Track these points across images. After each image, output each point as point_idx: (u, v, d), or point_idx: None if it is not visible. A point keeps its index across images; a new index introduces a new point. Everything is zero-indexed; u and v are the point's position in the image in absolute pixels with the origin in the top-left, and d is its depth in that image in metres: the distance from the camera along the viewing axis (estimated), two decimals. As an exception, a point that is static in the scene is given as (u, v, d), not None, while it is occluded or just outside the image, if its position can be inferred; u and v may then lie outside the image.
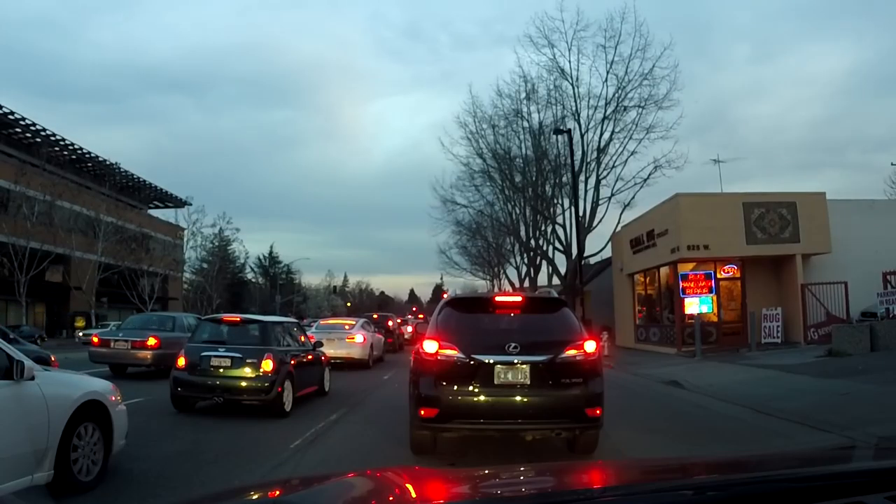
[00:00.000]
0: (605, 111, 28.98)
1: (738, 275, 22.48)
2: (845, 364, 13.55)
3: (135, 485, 5.53)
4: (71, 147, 43.76)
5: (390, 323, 27.69)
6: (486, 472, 2.31)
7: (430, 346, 6.36)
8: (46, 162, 36.97)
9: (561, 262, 32.32)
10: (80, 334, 29.28)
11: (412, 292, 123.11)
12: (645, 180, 29.09)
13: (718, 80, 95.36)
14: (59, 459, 4.68)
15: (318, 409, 10.18)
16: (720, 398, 11.58)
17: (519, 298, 7.03)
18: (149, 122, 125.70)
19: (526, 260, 39.21)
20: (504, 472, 2.34)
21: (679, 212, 21.54)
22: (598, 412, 6.25)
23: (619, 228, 29.15)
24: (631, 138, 28.97)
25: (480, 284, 57.27)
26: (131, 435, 6.01)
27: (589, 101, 29.35)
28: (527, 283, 38.42)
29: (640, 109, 28.53)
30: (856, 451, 2.92)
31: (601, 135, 29.21)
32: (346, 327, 19.29)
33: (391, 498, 1.79)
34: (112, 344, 14.48)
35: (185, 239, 52.73)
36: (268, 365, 9.16)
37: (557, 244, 32.25)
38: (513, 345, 6.20)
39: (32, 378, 4.57)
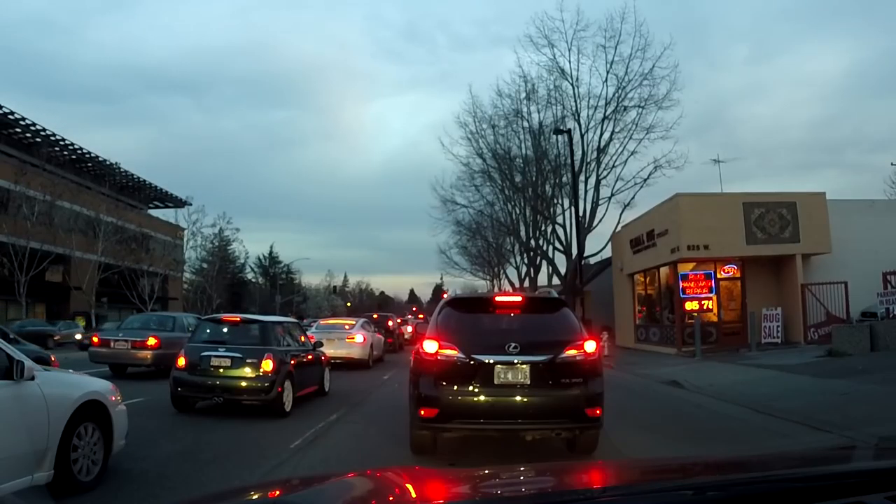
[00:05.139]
0: (605, 111, 29.00)
1: (738, 275, 22.48)
2: (845, 364, 13.55)
3: (135, 485, 5.53)
4: (71, 147, 43.74)
5: (390, 323, 27.67)
6: (486, 472, 2.31)
7: (430, 346, 6.36)
8: (46, 162, 36.92)
9: (561, 262, 32.34)
10: (78, 336, 29.05)
11: (412, 292, 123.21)
12: (645, 180, 29.12)
13: (717, 80, 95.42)
14: (59, 459, 4.68)
15: (318, 409, 10.18)
16: (720, 398, 11.58)
17: (519, 298, 7.03)
18: (149, 122, 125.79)
19: (526, 260, 39.20)
20: (504, 472, 2.34)
21: (679, 212, 21.53)
22: (598, 412, 6.25)
23: (619, 228, 29.14)
24: (631, 138, 29.00)
25: (480, 284, 57.29)
26: (131, 435, 6.00)
27: (589, 101, 29.37)
28: (527, 283, 38.40)
29: (640, 109, 28.55)
30: (856, 451, 2.93)
31: (601, 135, 29.23)
32: (346, 327, 19.28)
33: (391, 498, 1.79)
34: (112, 344, 14.48)
35: (185, 239, 52.72)
36: (268, 365, 9.16)
37: (557, 244, 32.26)
38: (513, 345, 6.19)
39: (32, 378, 4.57)
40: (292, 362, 9.93)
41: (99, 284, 38.29)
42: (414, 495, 1.77)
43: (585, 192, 29.25)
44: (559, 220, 32.21)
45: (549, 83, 29.87)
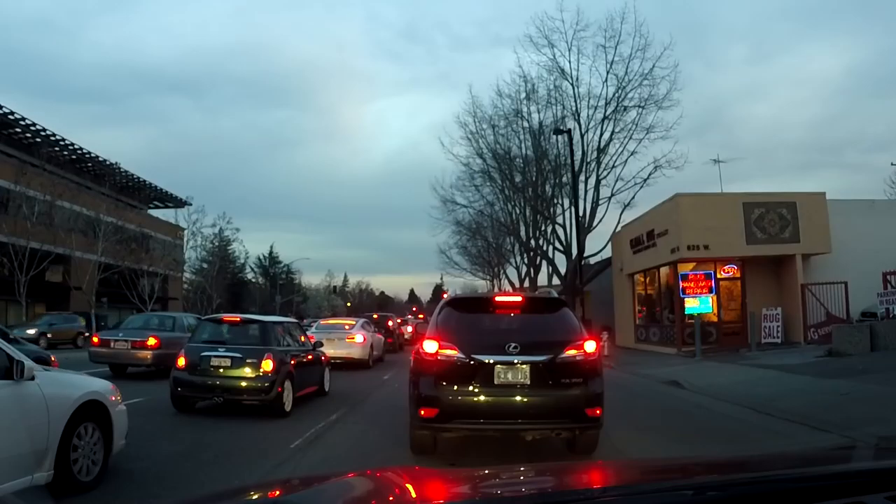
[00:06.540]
0: (605, 111, 29.00)
1: (738, 275, 22.49)
2: (845, 364, 13.55)
3: (135, 485, 5.54)
4: (71, 147, 43.69)
5: (390, 323, 27.70)
6: (486, 472, 2.31)
7: (430, 346, 6.36)
8: (46, 162, 36.87)
9: (561, 262, 32.34)
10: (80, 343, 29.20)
11: (412, 292, 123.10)
12: (645, 180, 29.10)
13: (717, 80, 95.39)
14: (59, 459, 4.68)
15: (318, 409, 10.19)
16: (720, 398, 11.58)
17: (519, 298, 7.03)
18: (148, 122, 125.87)
19: (526, 260, 39.21)
20: (504, 472, 2.34)
21: (679, 212, 21.54)
22: (598, 412, 6.25)
23: (619, 228, 29.15)
24: (631, 138, 28.99)
25: (480, 284, 57.33)
26: (131, 435, 6.01)
27: (589, 101, 29.37)
28: (527, 283, 38.41)
29: (640, 109, 28.54)
30: (856, 451, 2.92)
31: (601, 135, 29.23)
32: (346, 327, 19.29)
33: (391, 498, 1.79)
34: (112, 344, 14.48)
35: (185, 239, 52.71)
36: (268, 365, 9.16)
37: (557, 244, 32.27)
38: (513, 345, 6.19)
39: (32, 378, 4.57)
40: (292, 362, 9.93)
41: (99, 284, 38.23)
42: (414, 495, 1.77)
43: (585, 192, 29.31)
44: (559, 220, 32.27)
45: (549, 83, 29.92)
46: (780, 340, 20.12)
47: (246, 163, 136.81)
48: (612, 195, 29.66)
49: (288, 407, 9.47)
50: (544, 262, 35.32)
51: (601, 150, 29.24)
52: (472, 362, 6.17)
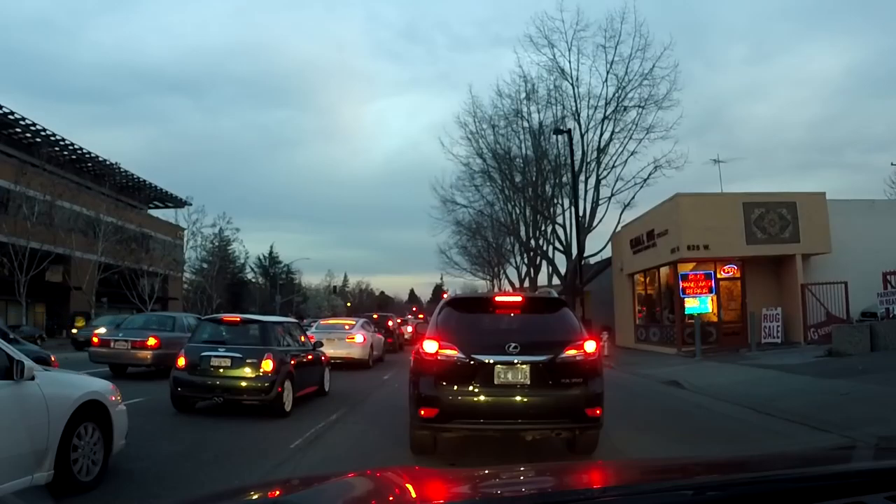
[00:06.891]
0: (605, 111, 29.00)
1: (738, 275, 22.49)
2: (845, 364, 13.55)
3: (135, 485, 5.54)
4: (71, 147, 43.72)
5: (390, 323, 27.68)
6: (486, 472, 2.31)
7: (430, 346, 6.36)
8: (46, 162, 36.89)
9: (561, 262, 32.35)
10: (75, 331, 29.24)
11: (412, 292, 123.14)
12: (645, 180, 29.10)
13: (717, 80, 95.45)
14: (59, 459, 4.68)
15: (318, 409, 10.18)
16: (720, 398, 11.58)
17: (519, 298, 7.03)
18: (149, 122, 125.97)
19: (526, 260, 39.22)
20: (504, 472, 2.34)
21: (679, 212, 21.54)
22: (598, 412, 6.25)
23: (619, 228, 29.15)
24: (631, 138, 28.99)
25: (480, 284, 57.33)
26: (131, 435, 6.01)
27: (589, 101, 29.37)
28: (527, 283, 38.42)
29: (640, 109, 28.55)
30: (856, 451, 2.92)
31: (601, 135, 29.24)
32: (346, 327, 19.28)
33: (391, 498, 1.79)
34: (112, 344, 14.48)
35: (185, 239, 52.78)
36: (268, 365, 9.16)
37: (557, 244, 32.27)
38: (513, 345, 6.19)
39: (32, 378, 4.57)
40: (292, 362, 9.93)
41: (99, 284, 38.28)
42: (414, 495, 1.77)
43: (585, 192, 29.32)
44: (559, 220, 32.28)
45: (549, 83, 29.93)
46: (780, 340, 20.11)
47: (246, 163, 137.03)
48: (612, 195, 29.72)
49: (288, 407, 9.47)
50: (544, 262, 35.33)
51: (601, 150, 29.25)
52: (472, 362, 6.17)
